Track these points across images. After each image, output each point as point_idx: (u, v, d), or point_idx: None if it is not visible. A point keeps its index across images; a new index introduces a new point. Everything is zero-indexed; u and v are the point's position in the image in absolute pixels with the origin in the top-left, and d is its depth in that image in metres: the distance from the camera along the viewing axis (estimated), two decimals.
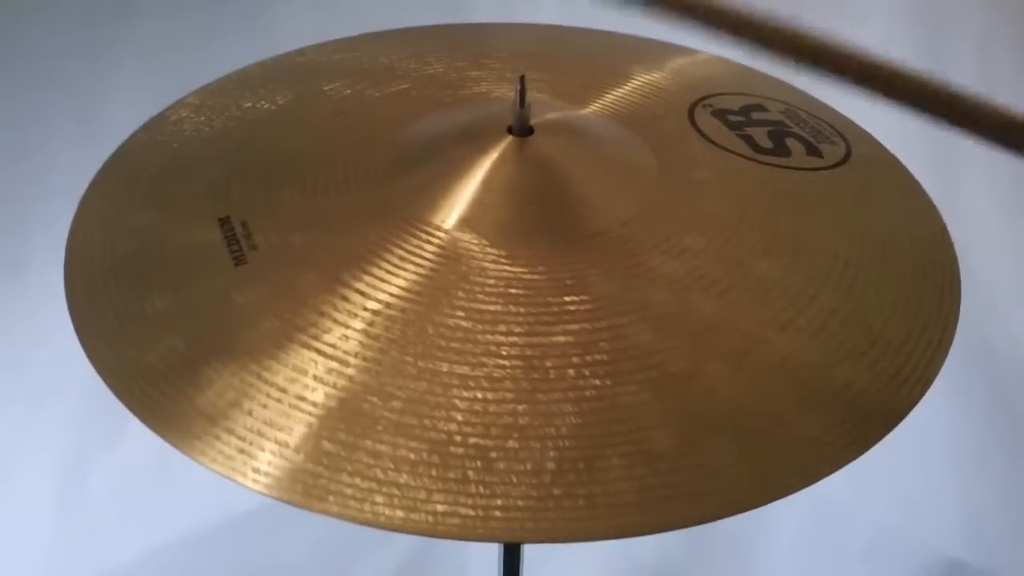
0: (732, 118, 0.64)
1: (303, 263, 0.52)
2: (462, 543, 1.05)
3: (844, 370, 0.50)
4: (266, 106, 0.65)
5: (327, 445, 0.44)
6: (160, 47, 1.09)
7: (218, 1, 1.13)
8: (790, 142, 0.63)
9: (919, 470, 1.03)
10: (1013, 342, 1.11)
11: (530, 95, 0.55)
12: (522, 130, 0.56)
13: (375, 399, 0.46)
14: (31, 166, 1.04)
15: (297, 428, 0.45)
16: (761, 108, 0.66)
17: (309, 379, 0.47)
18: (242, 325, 0.49)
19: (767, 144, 0.62)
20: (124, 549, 1.02)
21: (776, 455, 0.47)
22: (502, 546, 0.65)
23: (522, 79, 0.54)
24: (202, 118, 0.64)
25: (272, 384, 0.47)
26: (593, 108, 0.64)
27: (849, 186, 0.62)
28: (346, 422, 0.45)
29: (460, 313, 0.49)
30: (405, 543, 1.06)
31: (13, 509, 1.03)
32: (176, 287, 0.52)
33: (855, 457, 0.47)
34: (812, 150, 0.63)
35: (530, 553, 0.66)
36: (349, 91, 0.66)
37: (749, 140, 0.62)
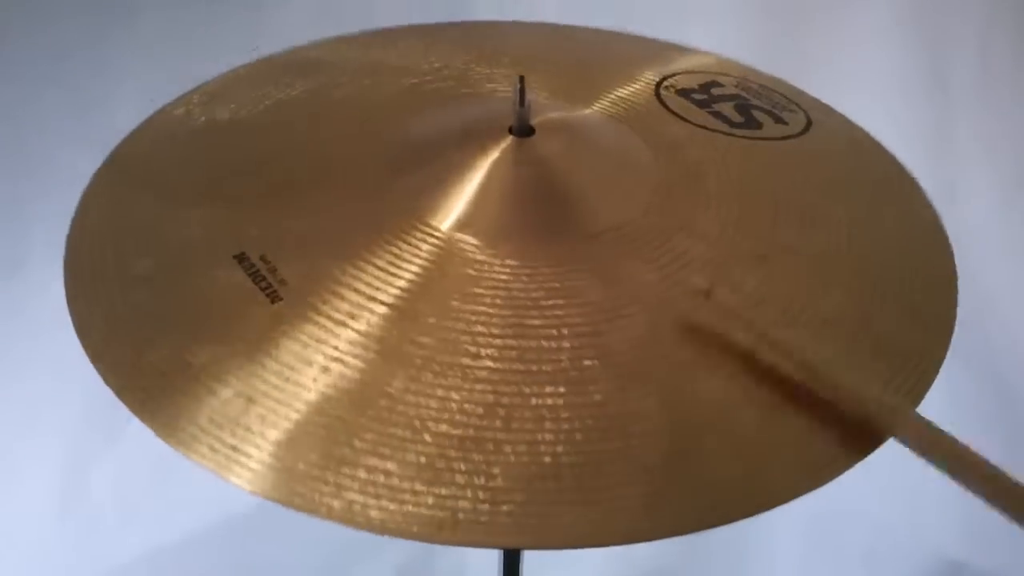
0: (696, 96, 0.65)
1: (336, 287, 0.50)
2: None
3: (880, 322, 0.52)
4: (243, 115, 0.63)
5: (450, 463, 0.43)
6: (160, 43, 1.09)
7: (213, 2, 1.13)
8: (757, 114, 0.64)
9: (919, 470, 1.03)
10: (1013, 342, 1.11)
11: (529, 94, 0.55)
12: (522, 130, 0.56)
13: (474, 418, 0.44)
14: (30, 164, 1.04)
15: (400, 465, 0.43)
16: (717, 84, 0.66)
17: (391, 413, 0.45)
18: (302, 366, 0.47)
19: (738, 118, 0.63)
20: (124, 549, 1.02)
21: (851, 412, 0.47)
22: None
23: (521, 79, 0.54)
24: (173, 146, 0.62)
25: (365, 428, 0.44)
26: (576, 101, 0.64)
27: (821, 150, 0.63)
28: (442, 446, 0.43)
29: (492, 321, 0.48)
30: (405, 543, 1.06)
31: (14, 509, 1.03)
32: (218, 335, 0.49)
33: (913, 408, 0.48)
34: (777, 119, 0.64)
35: (530, 554, 0.66)
36: (337, 92, 0.65)
37: (720, 116, 0.63)
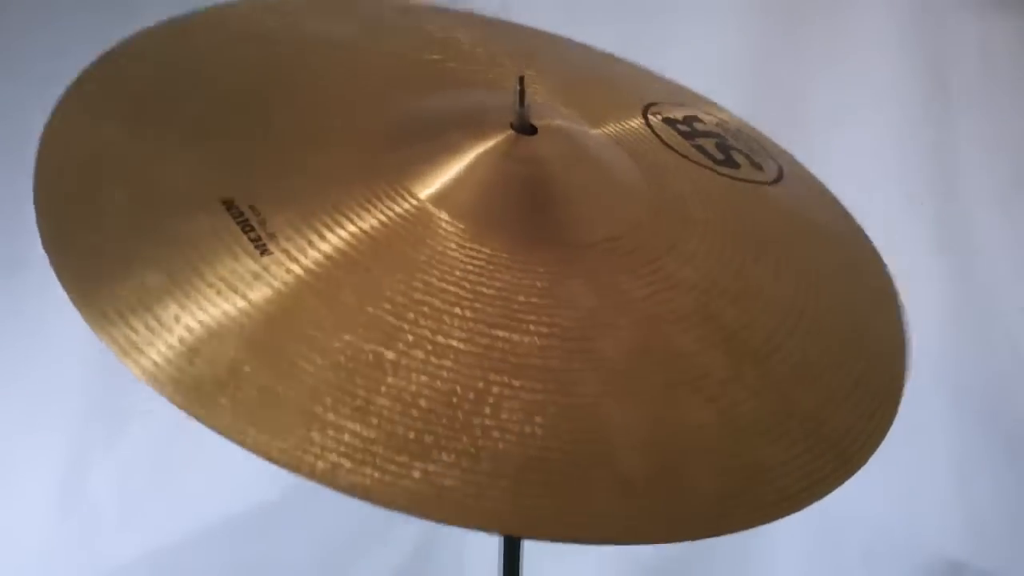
0: (680, 127, 0.65)
1: (319, 242, 0.49)
2: (463, 541, 1.05)
3: (856, 365, 0.53)
4: (254, 49, 0.62)
5: (438, 440, 0.43)
6: None
7: None
8: (735, 155, 0.64)
9: (919, 470, 1.03)
10: (1013, 343, 1.11)
11: (534, 97, 0.55)
12: (523, 128, 0.55)
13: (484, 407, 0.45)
14: (31, 164, 1.04)
15: (386, 435, 0.43)
16: (698, 119, 0.67)
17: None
18: (289, 323, 0.46)
19: (719, 155, 0.63)
20: (124, 549, 1.02)
21: (824, 447, 0.49)
22: (502, 545, 0.65)
23: (521, 80, 0.54)
24: (167, 71, 0.60)
25: (352, 395, 0.44)
26: (571, 117, 0.64)
27: (793, 201, 0.65)
28: (430, 423, 0.43)
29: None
30: (405, 542, 1.06)
31: (13, 509, 1.03)
32: (201, 279, 0.47)
33: (879, 443, 0.50)
34: (754, 164, 0.65)
35: (530, 551, 0.66)
36: (348, 47, 0.64)
37: (703, 151, 0.63)
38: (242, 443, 0.42)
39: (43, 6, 1.06)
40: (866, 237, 0.65)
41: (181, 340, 0.45)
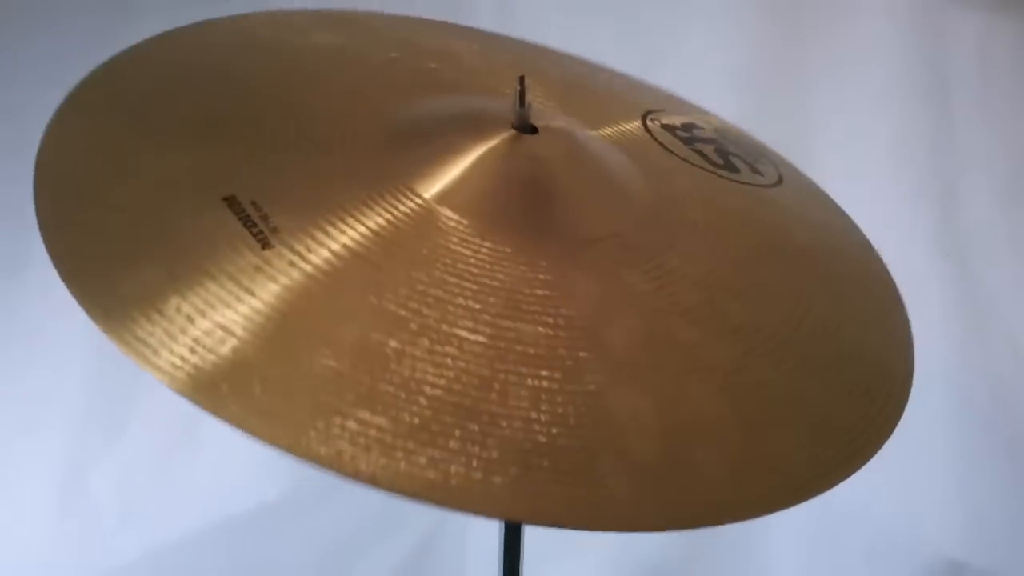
0: (680, 133, 0.66)
1: (323, 239, 0.49)
2: (463, 541, 1.05)
3: (860, 363, 0.54)
4: (258, 58, 0.63)
5: (445, 428, 0.43)
6: None
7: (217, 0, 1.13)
8: (734, 159, 0.65)
9: (919, 470, 1.03)
10: (1013, 342, 1.11)
11: (535, 100, 0.56)
12: (523, 128, 0.56)
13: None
14: (31, 166, 1.04)
15: (393, 422, 0.43)
16: (696, 126, 0.68)
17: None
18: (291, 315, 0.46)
19: (718, 160, 0.64)
20: (124, 549, 1.02)
21: (832, 433, 0.50)
22: (502, 545, 0.65)
23: (521, 80, 0.55)
24: (169, 78, 0.61)
25: (358, 382, 0.44)
26: (571, 120, 0.64)
27: (793, 203, 0.66)
28: (437, 411, 0.43)
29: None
30: (405, 542, 1.06)
31: (13, 509, 1.03)
32: (205, 272, 0.47)
33: (884, 441, 0.50)
34: (754, 169, 0.65)
35: (530, 552, 0.66)
36: (352, 58, 0.65)
37: (703, 155, 0.64)
38: (251, 433, 0.42)
39: (43, 8, 1.06)
40: (868, 242, 0.66)
41: (185, 334, 0.45)
